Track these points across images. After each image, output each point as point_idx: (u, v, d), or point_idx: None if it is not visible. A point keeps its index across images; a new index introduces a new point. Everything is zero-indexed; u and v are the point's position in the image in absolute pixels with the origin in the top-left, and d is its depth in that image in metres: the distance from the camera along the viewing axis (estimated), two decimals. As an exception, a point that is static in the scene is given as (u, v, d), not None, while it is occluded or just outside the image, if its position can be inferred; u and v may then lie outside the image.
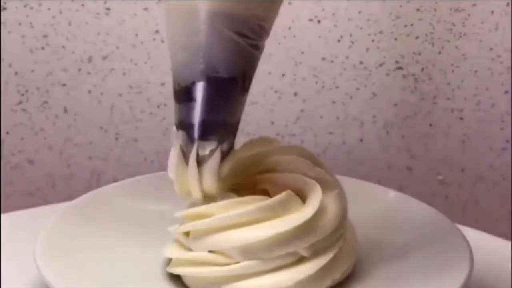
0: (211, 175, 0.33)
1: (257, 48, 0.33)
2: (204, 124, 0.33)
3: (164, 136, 0.57)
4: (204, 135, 0.33)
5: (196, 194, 0.34)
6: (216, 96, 0.32)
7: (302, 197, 0.35)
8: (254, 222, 0.34)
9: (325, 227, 0.35)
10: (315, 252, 0.35)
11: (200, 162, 0.33)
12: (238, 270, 0.34)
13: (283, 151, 0.37)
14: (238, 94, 0.33)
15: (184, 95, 0.33)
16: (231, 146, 0.34)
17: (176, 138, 0.33)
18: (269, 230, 0.34)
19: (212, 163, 0.33)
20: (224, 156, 0.33)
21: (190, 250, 0.36)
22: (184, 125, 0.33)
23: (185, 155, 0.33)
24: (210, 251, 0.35)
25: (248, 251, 0.34)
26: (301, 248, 0.34)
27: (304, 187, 0.35)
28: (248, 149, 0.36)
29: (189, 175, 0.34)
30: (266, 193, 0.36)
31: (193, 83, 0.32)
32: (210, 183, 0.34)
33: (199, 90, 0.32)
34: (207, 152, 0.33)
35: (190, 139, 0.33)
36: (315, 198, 0.34)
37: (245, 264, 0.34)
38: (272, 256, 0.34)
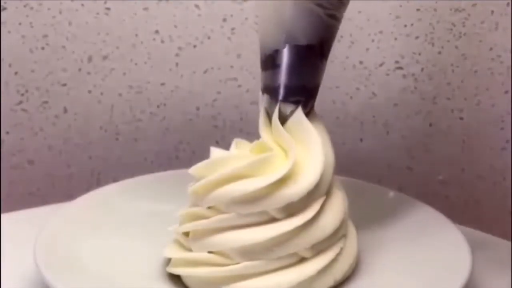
0: (295, 127, 0.36)
1: (335, 18, 0.36)
2: (285, 88, 0.36)
3: (164, 136, 0.57)
4: (286, 97, 0.36)
5: (283, 146, 0.36)
6: (296, 62, 0.36)
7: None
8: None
9: (326, 228, 0.35)
10: (316, 253, 0.35)
11: (282, 121, 0.36)
12: (238, 271, 0.34)
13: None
14: (316, 60, 0.36)
15: (267, 62, 0.36)
16: (311, 109, 0.37)
17: (261, 101, 0.37)
18: (269, 231, 0.34)
19: (295, 118, 0.36)
20: (305, 115, 0.36)
21: (190, 250, 0.36)
22: (268, 89, 0.37)
23: (269, 116, 0.36)
24: (210, 252, 0.35)
25: (248, 252, 0.34)
26: (302, 249, 0.34)
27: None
28: None
29: (273, 130, 0.36)
30: None
31: (276, 51, 0.36)
32: (289, 138, 0.35)
33: (281, 57, 0.36)
34: (288, 112, 0.36)
35: (273, 101, 0.36)
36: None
37: (245, 265, 0.34)
38: (272, 257, 0.34)
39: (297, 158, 0.35)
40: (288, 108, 0.36)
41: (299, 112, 0.36)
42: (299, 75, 0.36)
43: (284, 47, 0.36)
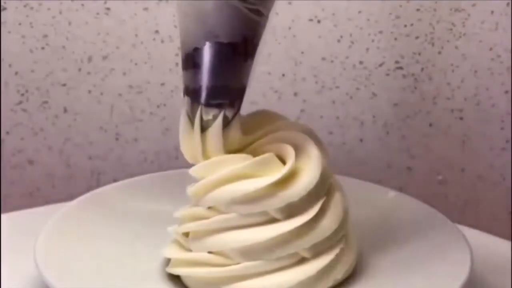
0: (214, 140, 0.34)
1: (258, 14, 0.33)
2: (206, 89, 0.34)
3: (164, 136, 0.57)
4: (207, 100, 0.34)
5: (199, 158, 0.35)
6: (217, 62, 0.33)
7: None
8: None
9: (326, 228, 0.35)
10: (317, 253, 0.35)
11: (204, 127, 0.34)
12: (238, 271, 0.34)
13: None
14: (240, 60, 0.34)
15: (188, 61, 0.34)
16: (236, 112, 0.34)
17: (183, 104, 0.34)
18: (269, 231, 0.34)
19: (214, 128, 0.34)
20: (228, 121, 0.34)
21: (190, 250, 0.36)
22: (189, 91, 0.34)
23: (191, 121, 0.34)
24: (210, 252, 0.35)
25: (249, 253, 0.34)
26: (302, 249, 0.34)
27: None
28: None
29: (194, 139, 0.34)
30: None
31: (196, 49, 0.33)
32: (214, 148, 0.34)
33: (201, 56, 0.33)
34: (210, 117, 0.34)
35: (194, 104, 0.34)
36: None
37: (245, 265, 0.34)
38: (272, 257, 0.34)
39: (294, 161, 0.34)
40: (210, 112, 0.34)
41: (219, 121, 0.34)
42: (221, 75, 0.34)
43: (204, 44, 0.33)
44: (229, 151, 0.35)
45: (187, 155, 0.35)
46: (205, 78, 0.33)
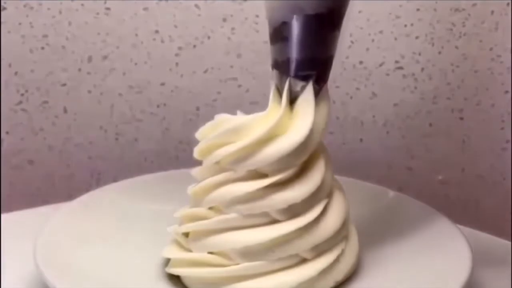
0: (304, 108, 0.34)
1: None
2: (294, 61, 0.34)
3: (164, 136, 0.57)
4: (296, 72, 0.34)
5: (286, 130, 0.34)
6: (304, 34, 0.34)
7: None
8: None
9: (328, 230, 0.35)
10: (318, 254, 0.35)
11: (293, 99, 0.34)
12: (238, 271, 0.34)
13: None
14: (325, 31, 0.34)
15: (276, 35, 0.34)
16: (324, 84, 0.35)
17: (272, 77, 0.35)
18: (270, 232, 0.34)
19: (305, 95, 0.34)
20: (317, 93, 0.34)
21: (189, 250, 0.36)
22: (278, 64, 0.35)
23: (279, 93, 0.35)
24: (210, 252, 0.35)
25: (249, 253, 0.34)
26: (303, 250, 0.34)
27: None
28: None
29: (282, 110, 0.34)
30: None
31: (284, 23, 0.34)
32: (303, 118, 0.34)
33: (289, 29, 0.34)
34: (298, 88, 0.34)
35: (283, 77, 0.34)
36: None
37: (246, 266, 0.34)
38: (273, 258, 0.34)
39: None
40: (298, 83, 0.34)
41: (309, 91, 0.34)
42: (308, 47, 0.34)
43: (291, 18, 0.34)
44: (316, 126, 0.34)
45: (271, 128, 0.35)
46: (293, 50, 0.34)
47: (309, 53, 0.34)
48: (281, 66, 0.35)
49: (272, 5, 0.35)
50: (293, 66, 0.34)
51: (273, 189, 0.34)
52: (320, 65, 0.35)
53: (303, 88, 0.34)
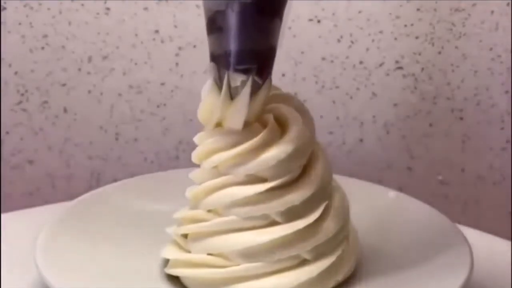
0: (240, 107, 0.32)
1: None
2: (232, 54, 0.31)
3: (164, 136, 0.57)
4: (234, 66, 0.31)
5: (214, 125, 0.33)
6: (241, 23, 0.31)
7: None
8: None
9: (328, 231, 0.35)
10: (318, 255, 0.35)
11: (233, 94, 0.32)
12: (238, 272, 0.34)
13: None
14: (264, 19, 0.31)
15: (211, 25, 0.32)
16: (266, 78, 0.32)
17: (210, 70, 0.32)
18: (270, 234, 0.34)
19: (243, 95, 0.32)
20: (258, 87, 0.32)
21: (188, 251, 0.36)
22: (215, 56, 0.32)
23: (219, 88, 0.32)
24: (209, 254, 0.35)
25: (249, 254, 0.34)
26: (303, 251, 0.34)
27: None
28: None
29: (220, 106, 0.32)
30: None
31: (217, 12, 0.31)
32: (238, 114, 0.32)
33: (224, 18, 0.31)
34: (238, 83, 0.32)
35: (221, 71, 0.32)
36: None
37: (245, 266, 0.34)
38: (273, 259, 0.34)
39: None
40: (238, 78, 0.31)
41: (249, 86, 0.31)
42: (246, 38, 0.31)
43: (226, 6, 0.31)
44: (248, 121, 0.33)
45: (204, 119, 0.34)
46: (230, 42, 0.31)
47: (247, 44, 0.31)
48: (218, 59, 0.32)
49: None
50: (231, 59, 0.31)
51: (272, 193, 0.34)
52: (261, 57, 0.32)
53: (243, 83, 0.31)
